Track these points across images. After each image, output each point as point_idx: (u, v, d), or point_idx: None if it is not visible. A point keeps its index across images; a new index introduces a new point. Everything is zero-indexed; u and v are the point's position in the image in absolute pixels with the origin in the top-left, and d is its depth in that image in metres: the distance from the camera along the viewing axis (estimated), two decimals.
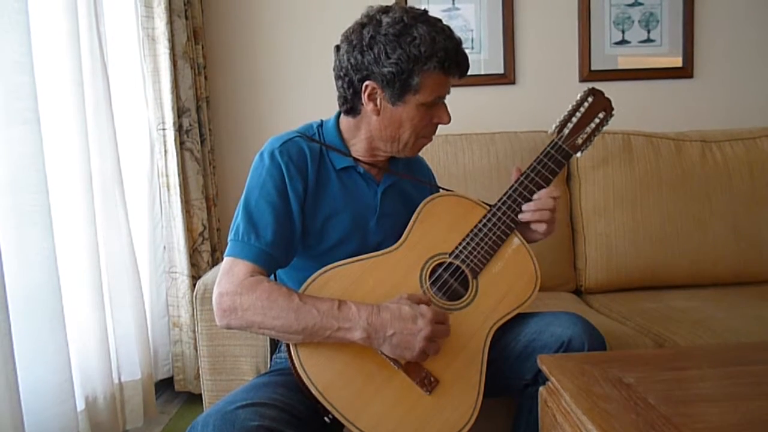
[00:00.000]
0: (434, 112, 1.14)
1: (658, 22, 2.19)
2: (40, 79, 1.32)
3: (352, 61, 1.11)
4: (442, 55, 1.07)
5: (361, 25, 1.11)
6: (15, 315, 1.17)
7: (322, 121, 1.23)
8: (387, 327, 0.99)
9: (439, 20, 1.12)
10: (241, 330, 1.05)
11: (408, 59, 1.07)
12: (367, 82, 1.11)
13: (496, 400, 1.12)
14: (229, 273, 1.05)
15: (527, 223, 1.18)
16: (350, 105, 1.16)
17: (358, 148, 1.19)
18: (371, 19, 1.11)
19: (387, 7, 1.12)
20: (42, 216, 1.30)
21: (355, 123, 1.18)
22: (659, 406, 0.76)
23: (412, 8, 1.11)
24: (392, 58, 1.07)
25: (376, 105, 1.12)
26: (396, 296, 1.05)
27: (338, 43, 1.15)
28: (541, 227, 1.17)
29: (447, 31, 1.10)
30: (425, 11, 1.12)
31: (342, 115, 1.20)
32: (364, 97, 1.12)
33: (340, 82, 1.15)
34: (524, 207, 1.17)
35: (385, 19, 1.09)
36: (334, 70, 1.16)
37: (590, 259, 1.85)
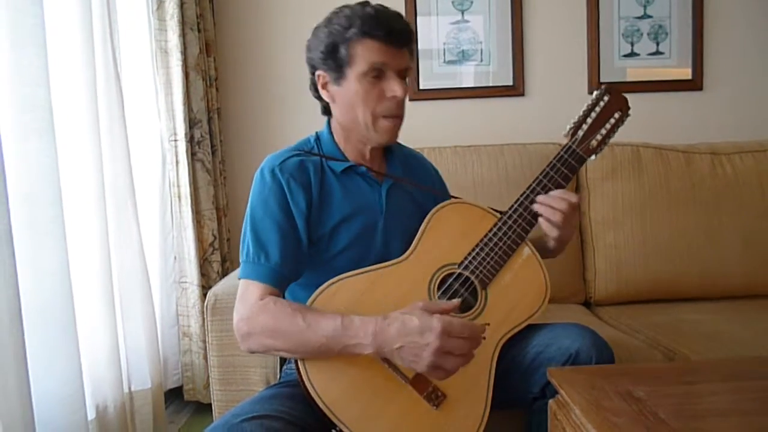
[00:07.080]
0: (384, 86, 1.14)
1: (667, 35, 2.19)
2: (55, 92, 1.34)
3: (307, 61, 1.19)
4: (359, 22, 1.11)
5: None
6: (28, 325, 1.18)
7: (317, 133, 1.25)
8: (394, 341, 0.95)
9: (378, 4, 1.15)
10: (261, 353, 1.07)
11: (331, 34, 1.13)
12: (317, 73, 1.17)
13: (503, 414, 1.11)
14: (243, 297, 1.07)
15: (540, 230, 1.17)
16: (322, 105, 1.23)
17: (349, 149, 1.21)
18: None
19: None
20: (56, 227, 1.31)
21: (334, 123, 1.22)
22: (670, 421, 0.75)
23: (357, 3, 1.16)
24: (320, 38, 1.14)
25: (329, 92, 1.18)
26: (408, 306, 1.00)
27: None
28: (545, 225, 1.14)
29: (374, 5, 1.13)
30: (366, 1, 1.15)
31: (329, 120, 1.25)
32: (321, 90, 1.18)
33: (310, 88, 1.22)
34: (537, 198, 1.15)
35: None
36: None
37: (599, 271, 1.85)
